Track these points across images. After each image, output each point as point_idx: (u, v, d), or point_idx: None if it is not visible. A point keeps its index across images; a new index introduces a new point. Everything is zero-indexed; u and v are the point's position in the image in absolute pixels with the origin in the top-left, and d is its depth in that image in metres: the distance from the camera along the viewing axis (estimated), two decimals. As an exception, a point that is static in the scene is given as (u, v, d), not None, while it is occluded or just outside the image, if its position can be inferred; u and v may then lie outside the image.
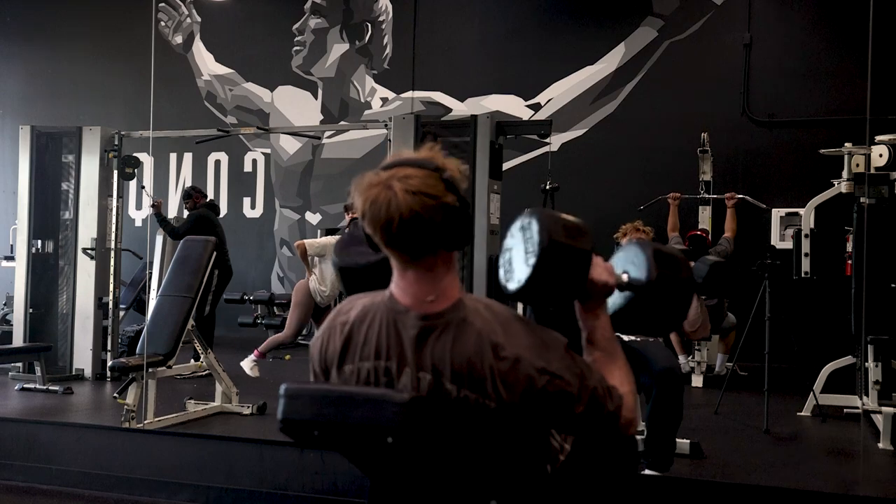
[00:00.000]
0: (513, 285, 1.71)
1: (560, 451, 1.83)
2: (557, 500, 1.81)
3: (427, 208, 1.53)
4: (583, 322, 1.77)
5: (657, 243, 1.89)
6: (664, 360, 3.66)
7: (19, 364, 6.47)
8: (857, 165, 5.38)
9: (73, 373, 6.58)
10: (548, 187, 7.00)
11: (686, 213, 7.33)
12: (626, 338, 3.65)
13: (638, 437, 3.89)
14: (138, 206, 10.28)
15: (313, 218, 9.76)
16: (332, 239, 6.27)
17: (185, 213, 7.33)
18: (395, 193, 1.52)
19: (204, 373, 5.69)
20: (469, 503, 1.76)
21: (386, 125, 6.43)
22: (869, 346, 4.89)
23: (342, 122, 9.66)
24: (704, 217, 7.37)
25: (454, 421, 1.57)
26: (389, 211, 1.52)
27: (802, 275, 5.49)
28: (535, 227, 1.68)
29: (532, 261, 1.67)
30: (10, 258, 7.91)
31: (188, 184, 9.94)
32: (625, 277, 1.81)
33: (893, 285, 4.87)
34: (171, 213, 9.30)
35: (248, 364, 5.78)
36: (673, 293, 1.80)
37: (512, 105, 8.90)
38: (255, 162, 10.02)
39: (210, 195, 9.88)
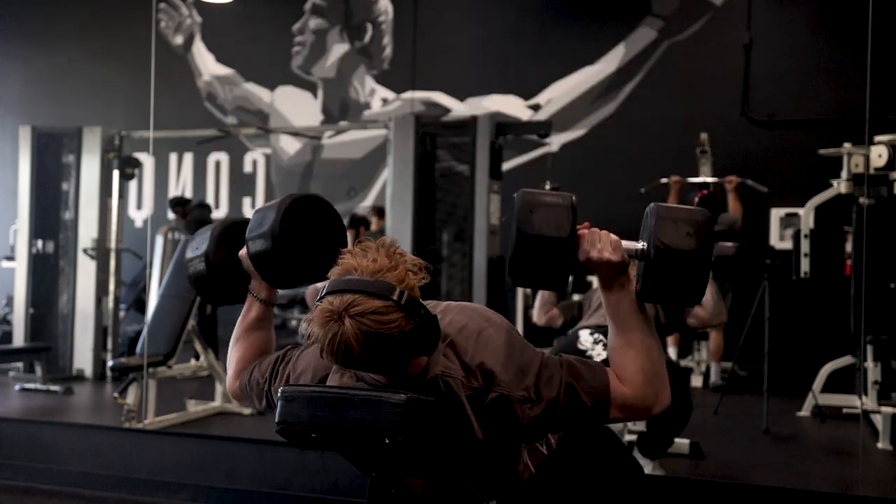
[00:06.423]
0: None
1: (546, 446, 1.85)
2: (550, 493, 1.82)
3: (384, 344, 1.49)
4: (602, 298, 1.76)
5: (673, 206, 1.74)
6: None
7: (19, 364, 6.46)
8: (857, 166, 5.39)
9: (74, 373, 6.58)
10: (548, 188, 7.01)
11: (688, 193, 7.32)
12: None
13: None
14: (138, 207, 10.29)
15: (313, 218, 9.74)
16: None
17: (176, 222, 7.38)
18: (348, 334, 1.48)
19: (204, 373, 5.69)
20: (468, 502, 1.76)
21: (386, 125, 6.43)
22: (868, 346, 4.89)
23: (342, 123, 9.66)
24: (707, 200, 7.33)
25: (450, 420, 1.58)
26: (347, 348, 1.49)
27: (802, 275, 5.49)
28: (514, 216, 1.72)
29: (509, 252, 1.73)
30: (11, 258, 7.92)
31: (188, 185, 9.97)
32: (640, 246, 1.73)
33: (893, 285, 4.87)
34: (170, 215, 9.30)
35: None
36: (677, 265, 1.68)
37: (512, 105, 8.90)
38: (255, 162, 10.01)
39: (210, 196, 9.91)
